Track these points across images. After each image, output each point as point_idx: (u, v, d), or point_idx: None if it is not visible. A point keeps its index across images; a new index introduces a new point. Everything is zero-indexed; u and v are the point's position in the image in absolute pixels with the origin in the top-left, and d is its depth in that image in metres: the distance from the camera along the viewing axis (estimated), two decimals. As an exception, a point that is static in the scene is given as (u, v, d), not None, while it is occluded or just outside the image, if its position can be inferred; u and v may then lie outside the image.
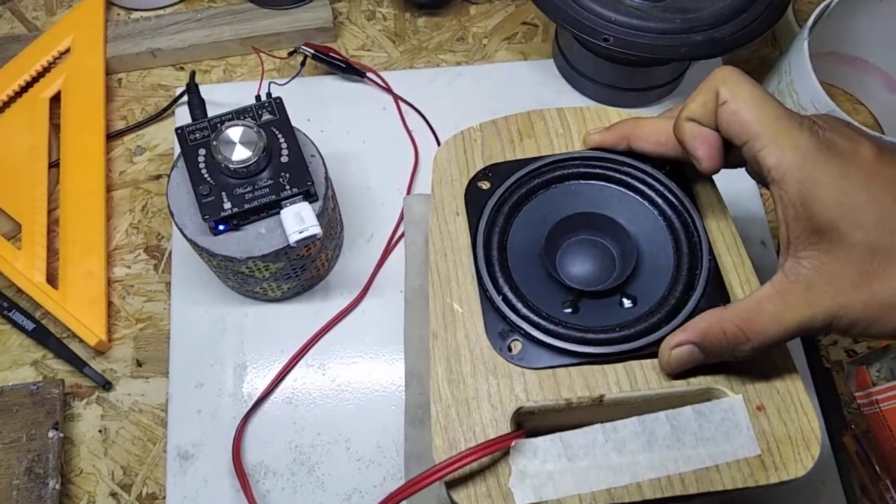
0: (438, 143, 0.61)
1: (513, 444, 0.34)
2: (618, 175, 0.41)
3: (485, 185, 0.42)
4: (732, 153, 0.36)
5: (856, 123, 0.49)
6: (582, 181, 0.42)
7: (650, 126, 0.40)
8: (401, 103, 0.63)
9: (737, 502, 0.38)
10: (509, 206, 0.41)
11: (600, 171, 0.41)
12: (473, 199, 0.42)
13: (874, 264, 0.31)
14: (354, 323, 0.55)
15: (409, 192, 0.59)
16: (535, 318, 0.37)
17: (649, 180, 0.41)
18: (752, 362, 0.36)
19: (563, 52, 0.63)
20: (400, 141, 0.61)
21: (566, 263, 0.41)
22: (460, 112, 0.62)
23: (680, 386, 0.36)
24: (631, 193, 0.41)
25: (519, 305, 0.38)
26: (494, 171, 0.43)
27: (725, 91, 0.34)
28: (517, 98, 0.63)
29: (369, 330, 0.54)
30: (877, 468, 0.49)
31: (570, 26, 0.54)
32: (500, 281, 0.39)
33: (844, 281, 0.31)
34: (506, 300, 0.38)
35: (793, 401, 0.36)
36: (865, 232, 0.31)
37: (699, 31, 0.53)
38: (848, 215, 0.31)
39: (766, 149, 0.33)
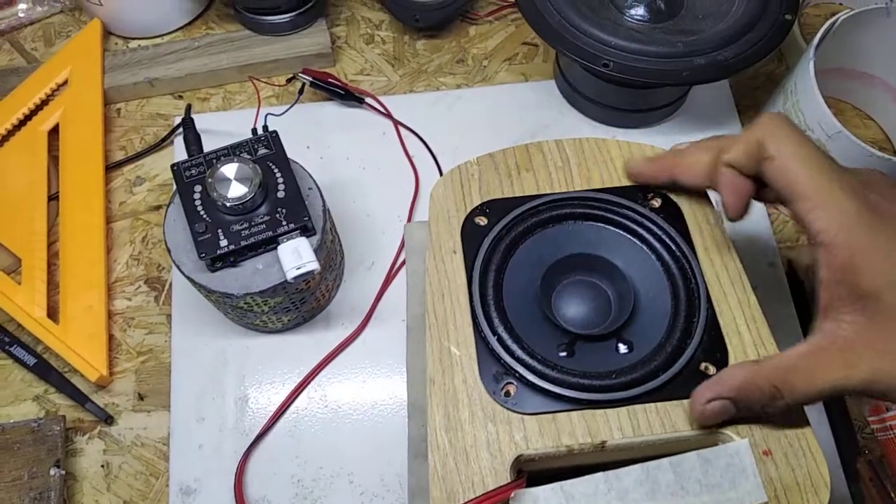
0: (439, 168, 0.60)
1: (512, 494, 0.33)
2: (616, 217, 0.40)
3: (482, 221, 0.42)
4: (764, 191, 0.36)
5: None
6: (580, 222, 0.41)
7: (692, 157, 0.40)
8: (401, 128, 0.62)
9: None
10: (506, 244, 0.40)
11: (598, 213, 0.41)
12: (470, 234, 0.41)
13: None
14: (356, 353, 0.54)
15: (409, 219, 0.58)
16: (530, 361, 0.37)
17: (647, 223, 0.40)
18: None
19: (564, 74, 0.62)
20: (400, 167, 0.60)
21: (562, 305, 0.40)
22: (461, 136, 0.61)
23: (684, 430, 0.35)
24: (628, 236, 0.40)
25: (514, 347, 0.37)
26: (492, 207, 0.42)
27: (772, 146, 0.34)
28: (519, 120, 0.62)
29: (371, 360, 0.54)
30: (892, 495, 0.48)
31: (570, 52, 0.53)
32: (496, 321, 0.38)
33: (885, 346, 0.31)
34: (500, 341, 0.37)
35: (801, 445, 0.35)
36: None
37: (701, 53, 0.52)
38: (893, 284, 0.31)
39: (814, 212, 0.33)
